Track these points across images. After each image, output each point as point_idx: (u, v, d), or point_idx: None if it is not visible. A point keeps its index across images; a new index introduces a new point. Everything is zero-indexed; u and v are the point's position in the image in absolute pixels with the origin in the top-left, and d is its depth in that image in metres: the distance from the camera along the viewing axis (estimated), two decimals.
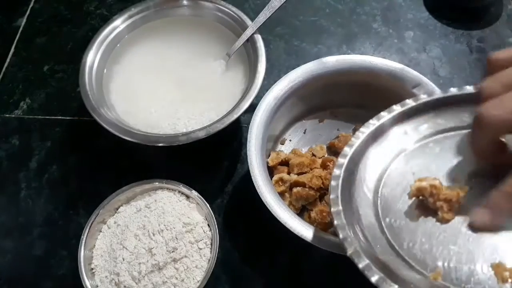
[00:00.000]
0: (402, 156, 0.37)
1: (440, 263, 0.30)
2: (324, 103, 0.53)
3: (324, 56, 0.49)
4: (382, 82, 0.49)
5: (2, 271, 0.48)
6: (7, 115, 0.59)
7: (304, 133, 0.53)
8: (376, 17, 0.66)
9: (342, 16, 0.66)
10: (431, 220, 0.33)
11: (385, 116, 0.40)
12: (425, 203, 0.33)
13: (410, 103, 0.39)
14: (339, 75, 0.49)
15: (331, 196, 0.35)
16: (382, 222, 0.34)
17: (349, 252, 0.30)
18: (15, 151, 0.56)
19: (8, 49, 0.65)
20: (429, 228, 0.32)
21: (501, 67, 0.32)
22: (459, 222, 0.32)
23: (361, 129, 0.39)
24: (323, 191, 0.46)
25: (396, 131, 0.39)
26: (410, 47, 0.63)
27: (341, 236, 0.32)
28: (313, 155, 0.50)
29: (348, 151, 0.37)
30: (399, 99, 0.48)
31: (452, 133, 0.37)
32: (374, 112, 0.52)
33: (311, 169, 0.47)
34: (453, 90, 0.38)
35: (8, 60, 0.64)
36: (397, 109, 0.39)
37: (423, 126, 0.39)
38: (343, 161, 0.37)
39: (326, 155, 0.50)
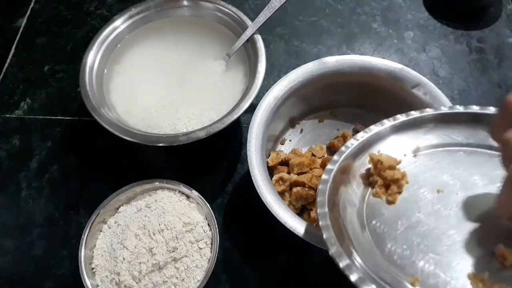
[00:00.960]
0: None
1: (419, 270, 0.31)
2: (324, 103, 0.53)
3: (324, 56, 0.49)
4: (381, 82, 0.49)
5: (2, 271, 0.48)
6: (7, 115, 0.59)
7: (301, 132, 0.53)
8: (376, 17, 0.66)
9: (342, 16, 0.67)
10: (413, 228, 0.34)
11: (386, 123, 0.40)
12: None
13: (414, 113, 0.40)
14: (339, 75, 0.49)
15: (318, 199, 0.36)
16: (367, 226, 0.35)
17: (331, 251, 0.32)
18: (16, 151, 0.56)
19: (8, 50, 0.65)
20: (411, 236, 0.33)
21: None
22: (441, 232, 0.33)
23: (360, 134, 0.40)
24: None
25: (394, 140, 0.40)
26: (410, 47, 0.63)
27: (324, 236, 0.33)
28: (313, 155, 0.50)
29: (338, 158, 0.38)
30: (398, 99, 0.49)
31: (450, 148, 0.38)
32: (374, 112, 0.52)
33: (311, 169, 0.47)
34: (459, 108, 0.39)
35: (8, 60, 0.64)
36: (400, 118, 0.40)
37: (423, 138, 0.39)
38: (332, 167, 0.38)
39: (326, 155, 0.50)
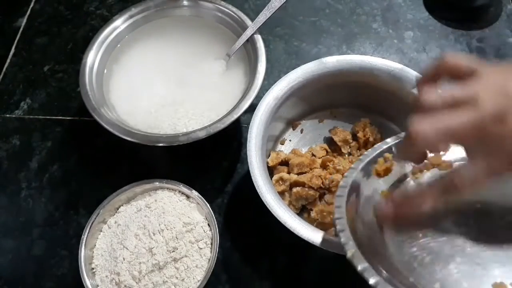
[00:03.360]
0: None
1: (440, 278, 0.30)
2: (324, 103, 0.53)
3: (324, 56, 0.49)
4: (381, 82, 0.49)
5: (2, 271, 0.48)
6: (7, 115, 0.59)
7: (301, 133, 0.53)
8: (376, 17, 0.66)
9: (342, 16, 0.66)
10: (433, 236, 0.33)
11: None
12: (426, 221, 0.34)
13: None
14: (339, 75, 0.49)
15: (336, 204, 0.35)
16: (385, 234, 0.34)
17: (349, 255, 0.31)
18: (16, 151, 0.56)
19: (8, 50, 0.65)
20: (430, 244, 0.32)
21: (450, 72, 0.31)
22: (464, 240, 0.32)
23: (388, 140, 0.40)
24: (323, 191, 0.46)
25: None
26: (410, 47, 0.63)
27: (341, 240, 0.32)
28: (313, 155, 0.50)
29: (358, 164, 0.38)
30: (398, 99, 0.49)
31: None
32: (373, 112, 0.53)
33: (311, 169, 0.47)
34: None
35: (8, 60, 0.64)
36: None
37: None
38: (348, 180, 0.37)
39: (326, 155, 0.50)
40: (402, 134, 0.40)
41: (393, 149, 0.39)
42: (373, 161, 0.38)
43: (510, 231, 0.32)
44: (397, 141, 0.40)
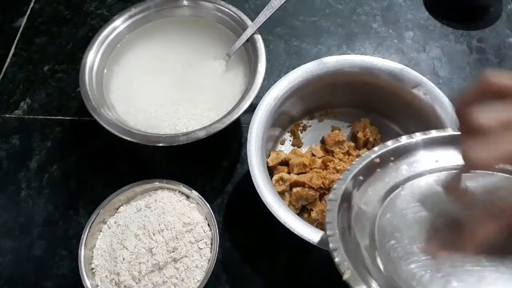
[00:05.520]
0: (409, 184, 0.36)
1: None
2: (324, 103, 0.53)
3: (324, 56, 0.49)
4: (382, 82, 0.49)
5: (2, 271, 0.48)
6: (7, 115, 0.59)
7: (301, 132, 0.53)
8: (376, 17, 0.66)
9: (342, 16, 0.66)
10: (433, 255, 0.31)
11: (413, 138, 0.38)
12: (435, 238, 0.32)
13: (434, 133, 0.38)
14: (339, 75, 0.49)
15: (327, 220, 0.33)
16: (377, 251, 0.32)
17: (345, 277, 0.29)
18: (16, 151, 0.56)
19: (8, 49, 0.65)
20: (428, 263, 0.31)
21: (494, 92, 0.29)
22: (462, 262, 0.30)
23: (375, 148, 0.38)
24: (323, 191, 0.46)
25: (422, 156, 0.38)
26: (410, 47, 0.63)
27: (336, 260, 0.30)
28: (313, 155, 0.50)
29: (347, 175, 0.36)
30: (399, 99, 0.49)
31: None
32: (373, 112, 0.52)
33: (311, 169, 0.47)
34: None
35: (8, 60, 0.64)
36: (426, 134, 0.38)
37: (447, 157, 0.37)
38: (338, 192, 0.35)
39: (326, 155, 0.50)
40: (390, 142, 0.38)
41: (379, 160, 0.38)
42: (363, 170, 0.37)
43: None
44: (383, 150, 0.38)
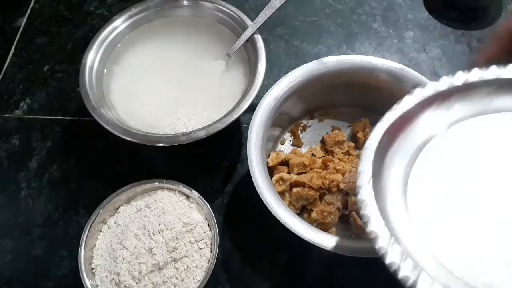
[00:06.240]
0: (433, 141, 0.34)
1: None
2: (324, 103, 0.53)
3: (324, 56, 0.49)
4: (382, 82, 0.49)
5: (2, 271, 0.48)
6: (7, 115, 0.59)
7: (301, 132, 0.53)
8: (376, 17, 0.66)
9: (342, 16, 0.66)
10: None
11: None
12: None
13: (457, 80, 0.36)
14: (339, 75, 0.49)
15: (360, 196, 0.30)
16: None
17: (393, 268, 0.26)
18: (16, 151, 0.56)
19: (8, 49, 0.65)
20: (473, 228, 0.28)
21: None
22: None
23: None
24: (323, 191, 0.46)
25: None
26: (410, 47, 0.63)
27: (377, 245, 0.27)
28: (313, 155, 0.50)
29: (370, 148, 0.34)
30: (399, 99, 0.49)
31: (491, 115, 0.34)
32: (373, 112, 0.52)
33: (311, 169, 0.47)
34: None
35: (8, 60, 0.64)
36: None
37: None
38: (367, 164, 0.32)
39: (326, 155, 0.50)
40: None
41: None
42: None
43: None
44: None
